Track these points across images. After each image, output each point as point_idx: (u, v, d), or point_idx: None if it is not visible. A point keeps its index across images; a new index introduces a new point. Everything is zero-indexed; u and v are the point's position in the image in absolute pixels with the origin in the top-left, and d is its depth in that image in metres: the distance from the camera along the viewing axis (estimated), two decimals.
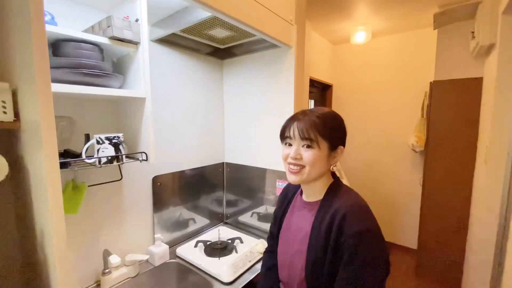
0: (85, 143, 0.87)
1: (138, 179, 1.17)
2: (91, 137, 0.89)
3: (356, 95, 2.92)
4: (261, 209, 1.45)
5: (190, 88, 1.38)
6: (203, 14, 0.97)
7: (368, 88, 2.84)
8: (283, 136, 0.75)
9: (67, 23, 0.90)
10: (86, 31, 0.92)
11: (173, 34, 1.13)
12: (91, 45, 0.82)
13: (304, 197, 0.81)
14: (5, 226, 0.78)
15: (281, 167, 1.32)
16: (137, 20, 0.88)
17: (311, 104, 2.92)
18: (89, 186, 0.97)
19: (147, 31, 0.91)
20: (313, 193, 0.77)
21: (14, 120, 0.65)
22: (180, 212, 1.36)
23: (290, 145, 0.74)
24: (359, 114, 2.91)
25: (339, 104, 3.05)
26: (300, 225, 0.77)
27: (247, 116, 1.48)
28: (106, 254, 1.00)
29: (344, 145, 0.75)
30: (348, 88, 2.98)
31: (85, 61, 0.79)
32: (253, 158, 1.47)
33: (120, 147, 0.87)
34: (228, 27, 1.08)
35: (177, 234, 1.35)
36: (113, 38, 0.84)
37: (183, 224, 1.38)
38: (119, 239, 1.11)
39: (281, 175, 1.34)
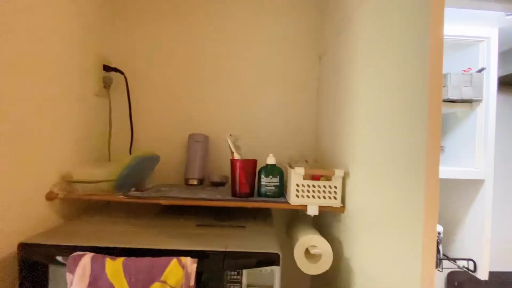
0: None
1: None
2: None
3: None
4: None
5: None
6: None
7: None
8: None
9: None
10: None
11: None
12: None
13: None
14: None
15: None
16: (481, 70, 0.61)
17: None
18: None
19: (496, 80, 0.61)
20: None
21: (341, 206, 0.61)
22: None
23: None
24: None
25: None
26: None
27: None
28: None
29: None
30: None
31: None
32: None
33: (440, 247, 0.63)
34: None
35: None
36: (446, 101, 0.62)
37: None
38: None
39: None
